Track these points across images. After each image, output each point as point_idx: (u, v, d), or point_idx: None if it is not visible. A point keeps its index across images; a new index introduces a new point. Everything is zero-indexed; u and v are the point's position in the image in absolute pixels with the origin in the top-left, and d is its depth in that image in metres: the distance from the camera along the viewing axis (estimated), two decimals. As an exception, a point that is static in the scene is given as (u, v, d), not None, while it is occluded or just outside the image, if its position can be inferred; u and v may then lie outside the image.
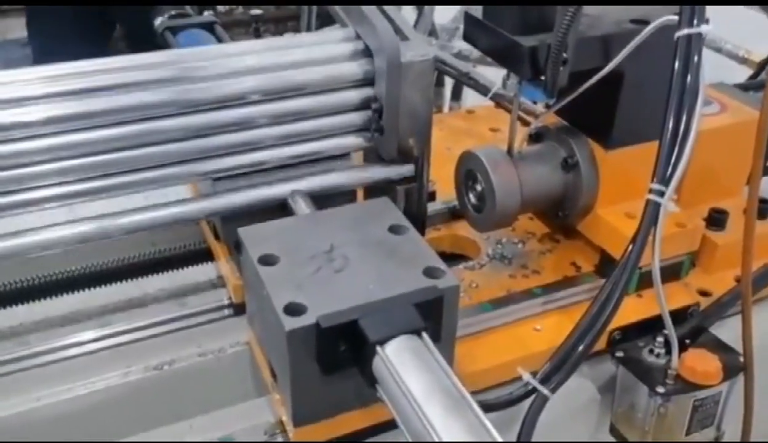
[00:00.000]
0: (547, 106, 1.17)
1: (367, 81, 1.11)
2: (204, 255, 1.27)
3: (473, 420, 0.75)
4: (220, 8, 2.97)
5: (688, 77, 0.91)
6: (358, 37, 1.13)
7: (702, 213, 1.26)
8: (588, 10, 1.09)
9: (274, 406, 1.00)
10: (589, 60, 1.05)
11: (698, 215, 1.25)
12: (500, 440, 0.72)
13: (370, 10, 1.10)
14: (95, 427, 1.07)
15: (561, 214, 1.22)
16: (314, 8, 1.84)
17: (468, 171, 1.18)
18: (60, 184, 1.00)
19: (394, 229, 0.99)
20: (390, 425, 0.89)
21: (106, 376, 1.12)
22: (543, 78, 1.02)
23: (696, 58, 0.91)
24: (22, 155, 0.96)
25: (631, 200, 1.14)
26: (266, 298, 0.88)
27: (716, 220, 1.24)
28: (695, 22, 0.91)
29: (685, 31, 0.91)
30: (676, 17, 0.93)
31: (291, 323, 0.84)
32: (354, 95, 1.11)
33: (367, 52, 1.11)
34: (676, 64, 0.92)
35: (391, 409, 0.81)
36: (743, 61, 1.82)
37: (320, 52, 1.10)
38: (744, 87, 1.41)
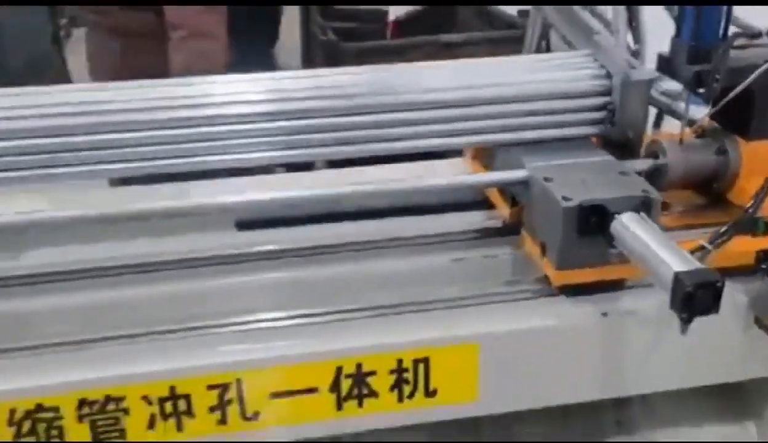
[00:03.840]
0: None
1: (607, 91, 1.79)
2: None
3: (682, 253, 1.25)
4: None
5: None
6: (595, 61, 1.80)
7: None
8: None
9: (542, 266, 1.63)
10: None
11: None
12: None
13: (605, 40, 1.79)
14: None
15: (715, 186, 1.79)
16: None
17: (652, 151, 1.78)
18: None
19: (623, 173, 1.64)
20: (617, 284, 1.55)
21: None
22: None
23: None
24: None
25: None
26: (550, 196, 1.55)
27: None
28: None
29: None
30: None
31: (565, 204, 1.50)
32: (597, 101, 1.79)
33: (608, 75, 1.79)
34: None
35: (625, 252, 1.44)
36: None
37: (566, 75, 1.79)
38: None
